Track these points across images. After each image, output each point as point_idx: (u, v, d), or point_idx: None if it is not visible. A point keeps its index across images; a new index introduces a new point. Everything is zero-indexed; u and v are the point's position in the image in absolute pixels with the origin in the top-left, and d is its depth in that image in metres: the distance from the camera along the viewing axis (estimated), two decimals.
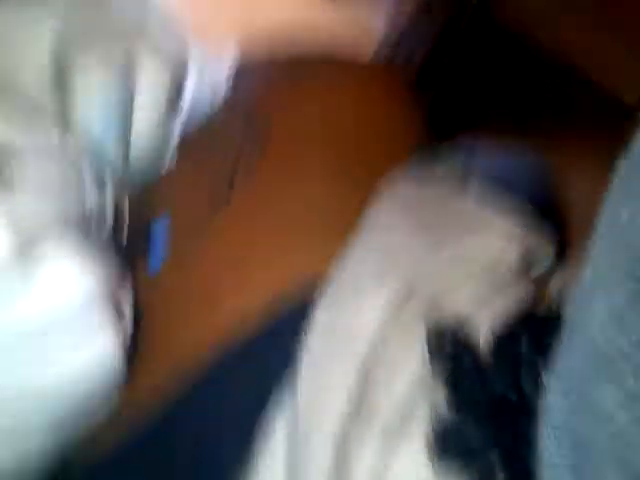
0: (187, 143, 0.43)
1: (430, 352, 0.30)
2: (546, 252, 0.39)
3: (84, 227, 0.31)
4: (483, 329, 0.32)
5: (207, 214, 0.37)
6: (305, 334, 0.33)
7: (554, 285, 0.40)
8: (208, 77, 0.42)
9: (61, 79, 0.36)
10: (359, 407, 0.30)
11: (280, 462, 0.31)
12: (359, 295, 0.33)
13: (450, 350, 0.30)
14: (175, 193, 0.39)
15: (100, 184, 0.34)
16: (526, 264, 0.38)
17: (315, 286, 0.35)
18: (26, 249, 0.30)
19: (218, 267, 0.37)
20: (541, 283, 0.40)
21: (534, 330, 0.31)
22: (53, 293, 0.30)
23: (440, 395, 0.30)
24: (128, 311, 0.35)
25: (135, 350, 0.35)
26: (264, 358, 0.34)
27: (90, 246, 0.32)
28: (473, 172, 0.43)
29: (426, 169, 0.43)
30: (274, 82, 0.45)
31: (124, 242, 0.36)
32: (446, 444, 0.28)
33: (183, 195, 0.39)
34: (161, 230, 0.37)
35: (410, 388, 0.30)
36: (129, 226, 0.37)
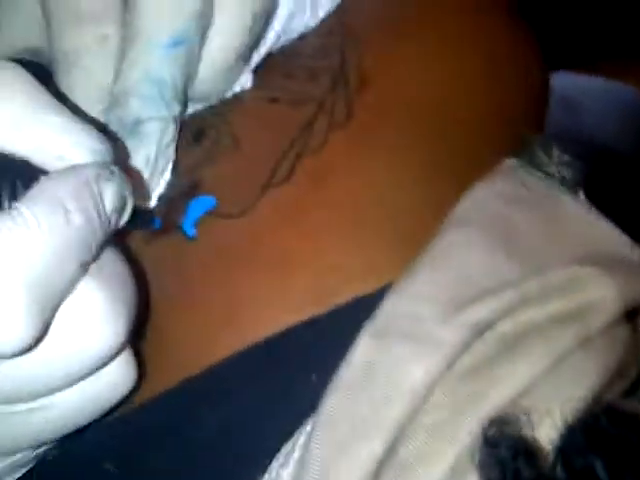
0: (266, 68, 0.36)
1: (481, 452, 0.24)
2: None
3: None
4: (551, 422, 0.26)
5: (257, 189, 0.31)
6: (339, 369, 0.27)
7: None
8: None
9: None
10: None
11: None
12: (411, 340, 0.27)
13: (506, 455, 0.24)
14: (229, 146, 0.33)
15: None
16: (628, 306, 0.30)
17: (364, 307, 0.28)
18: None
19: (250, 268, 0.30)
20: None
21: (615, 446, 0.25)
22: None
23: None
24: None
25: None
26: (287, 389, 0.28)
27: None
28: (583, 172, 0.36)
29: (530, 160, 0.35)
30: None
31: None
32: None
33: (237, 155, 0.32)
34: (199, 208, 0.31)
35: None
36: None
